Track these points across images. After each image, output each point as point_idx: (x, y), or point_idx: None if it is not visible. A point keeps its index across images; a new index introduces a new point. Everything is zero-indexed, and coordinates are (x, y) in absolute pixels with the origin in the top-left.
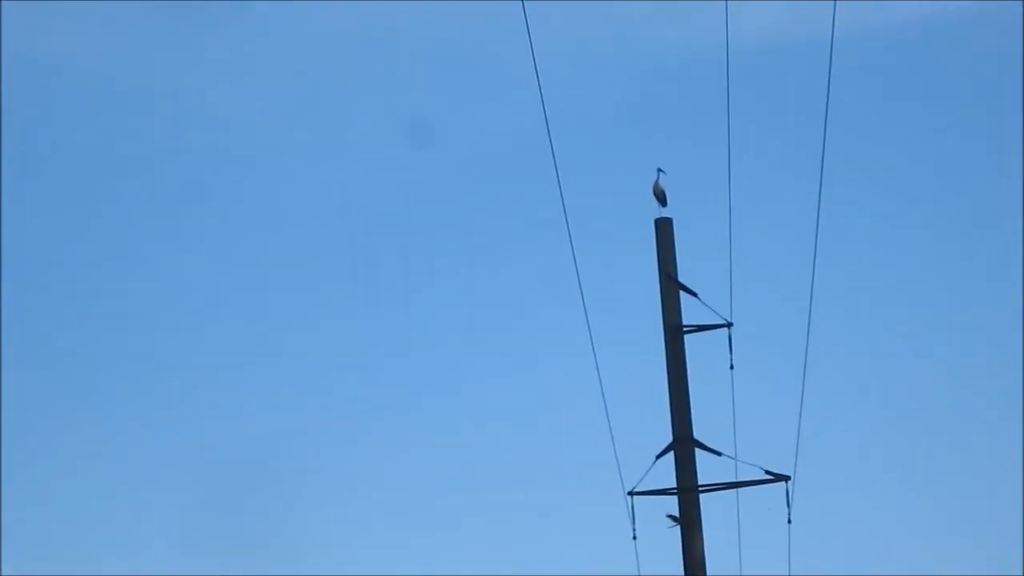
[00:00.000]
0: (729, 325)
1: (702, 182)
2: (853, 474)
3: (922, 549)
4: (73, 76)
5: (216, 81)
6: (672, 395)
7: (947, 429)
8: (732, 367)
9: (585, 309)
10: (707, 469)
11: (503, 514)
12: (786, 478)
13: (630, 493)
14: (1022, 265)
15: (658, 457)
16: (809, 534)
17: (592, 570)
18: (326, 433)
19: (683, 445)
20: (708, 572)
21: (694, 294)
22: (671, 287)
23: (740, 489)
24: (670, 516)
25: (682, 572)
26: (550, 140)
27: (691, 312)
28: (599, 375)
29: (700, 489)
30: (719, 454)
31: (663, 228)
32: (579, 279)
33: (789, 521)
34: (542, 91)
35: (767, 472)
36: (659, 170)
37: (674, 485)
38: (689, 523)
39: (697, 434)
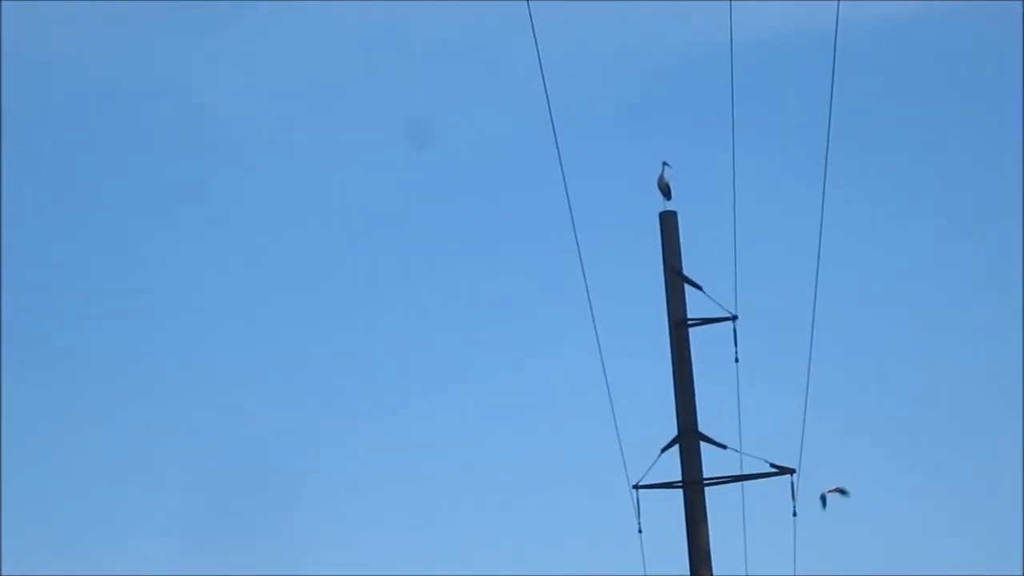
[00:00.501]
0: (734, 318)
1: (706, 176)
2: (857, 467)
3: (921, 549)
4: (73, 75)
5: (217, 80)
6: (677, 388)
7: (949, 423)
8: (737, 360)
9: (590, 304)
10: (712, 463)
11: (507, 509)
12: (791, 471)
13: (635, 487)
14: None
15: (663, 450)
16: (814, 528)
17: (597, 565)
18: (326, 433)
19: (688, 438)
20: (713, 566)
21: (699, 287)
22: (675, 280)
23: (745, 482)
24: (831, 492)
25: (687, 566)
26: (555, 135)
27: (695, 305)
28: (604, 369)
29: (705, 482)
30: (724, 447)
31: (668, 221)
32: (584, 274)
33: (795, 514)
34: (547, 87)
35: (772, 465)
36: (664, 163)
37: (679, 478)
38: (694, 516)
39: (702, 427)
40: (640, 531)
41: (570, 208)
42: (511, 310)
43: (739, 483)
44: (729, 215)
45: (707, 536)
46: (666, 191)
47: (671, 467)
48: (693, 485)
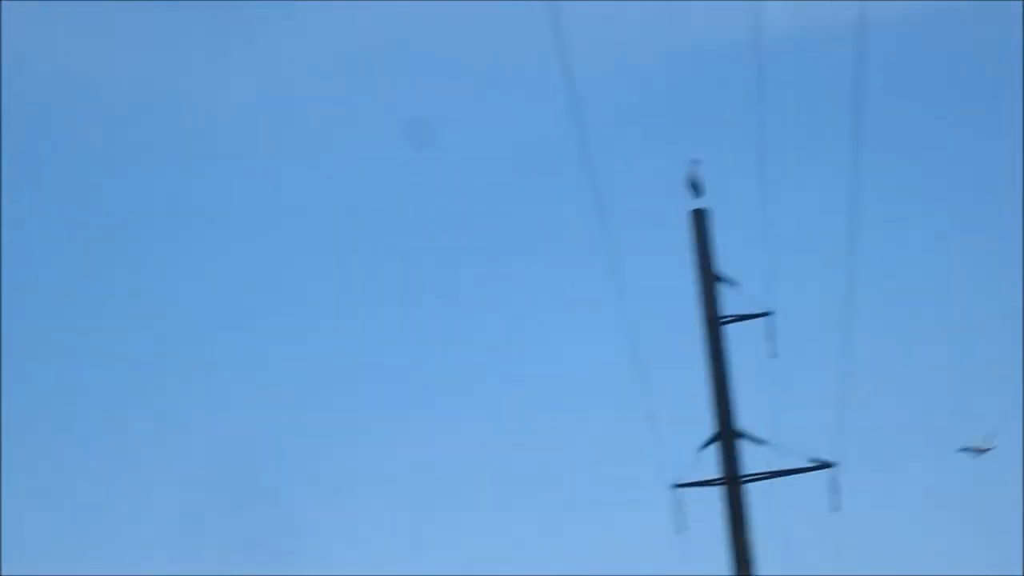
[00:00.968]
0: (769, 314)
1: (735, 173)
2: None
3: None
4: (73, 76)
5: (217, 81)
6: (714, 386)
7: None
8: (774, 356)
9: (623, 304)
10: (749, 459)
11: (543, 509)
12: (831, 465)
13: (676, 486)
14: None
15: (701, 449)
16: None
17: (633, 566)
18: (335, 434)
19: (727, 436)
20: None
21: (734, 284)
22: (709, 278)
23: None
24: (971, 448)
25: (724, 566)
26: (582, 134)
27: (729, 302)
28: (639, 369)
29: (745, 479)
30: (764, 443)
31: (699, 219)
32: (615, 274)
33: (837, 508)
34: (573, 86)
35: (812, 460)
36: (694, 160)
37: (716, 476)
38: (736, 514)
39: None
40: (681, 531)
41: (600, 209)
42: (543, 311)
43: (775, 479)
44: (759, 211)
45: (749, 533)
46: (697, 189)
47: (704, 466)
48: (734, 482)
